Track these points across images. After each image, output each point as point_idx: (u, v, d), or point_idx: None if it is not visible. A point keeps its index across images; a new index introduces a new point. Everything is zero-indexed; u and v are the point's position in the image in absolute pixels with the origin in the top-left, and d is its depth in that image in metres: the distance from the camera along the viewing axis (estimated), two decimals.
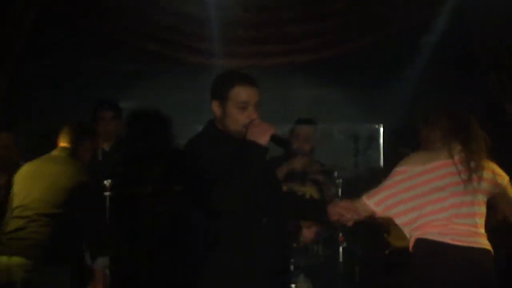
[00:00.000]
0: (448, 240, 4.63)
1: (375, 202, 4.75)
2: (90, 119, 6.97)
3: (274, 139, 4.16)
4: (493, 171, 4.83)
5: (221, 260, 4.19)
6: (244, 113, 4.22)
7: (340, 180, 6.57)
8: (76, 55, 7.86)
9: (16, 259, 5.60)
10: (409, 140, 6.20)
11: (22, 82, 7.63)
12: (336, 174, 6.57)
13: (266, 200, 4.27)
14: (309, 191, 6.70)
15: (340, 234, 6.52)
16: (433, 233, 4.66)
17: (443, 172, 4.72)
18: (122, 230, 6.47)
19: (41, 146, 6.12)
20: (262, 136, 4.12)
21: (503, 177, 4.87)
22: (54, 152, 5.98)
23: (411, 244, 4.78)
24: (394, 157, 6.33)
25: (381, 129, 6.69)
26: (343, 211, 4.58)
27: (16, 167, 6.22)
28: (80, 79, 7.87)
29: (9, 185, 6.30)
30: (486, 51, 7.61)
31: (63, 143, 6.00)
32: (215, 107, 4.31)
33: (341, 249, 6.43)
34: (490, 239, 4.82)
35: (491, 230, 6.20)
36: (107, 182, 6.16)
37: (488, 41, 7.59)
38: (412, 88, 7.69)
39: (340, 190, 6.59)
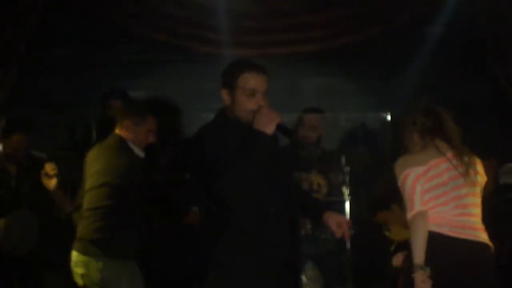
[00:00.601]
0: (446, 231, 4.66)
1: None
2: (100, 108, 7.02)
3: (280, 128, 4.19)
4: (480, 166, 4.88)
5: (230, 248, 4.22)
6: (252, 100, 4.24)
7: (348, 168, 6.60)
8: (86, 45, 7.88)
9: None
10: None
11: (31, 73, 7.65)
12: (343, 162, 6.59)
13: (275, 189, 4.30)
14: (316, 179, 6.74)
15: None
16: (434, 225, 4.67)
17: (442, 168, 4.75)
18: None
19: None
20: (268, 125, 4.14)
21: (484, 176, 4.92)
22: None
23: None
24: (402, 146, 6.39)
25: (389, 118, 6.71)
26: (334, 226, 4.46)
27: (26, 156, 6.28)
28: (90, 69, 7.88)
29: (19, 174, 6.36)
30: (493, 41, 7.62)
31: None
32: (225, 95, 4.34)
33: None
34: (492, 234, 4.88)
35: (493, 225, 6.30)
36: None
37: (495, 32, 7.60)
38: (419, 77, 7.71)
39: (347, 178, 6.62)
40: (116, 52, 7.90)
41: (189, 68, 7.94)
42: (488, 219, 6.15)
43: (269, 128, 4.14)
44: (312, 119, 6.79)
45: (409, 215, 4.67)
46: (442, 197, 4.71)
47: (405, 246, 5.60)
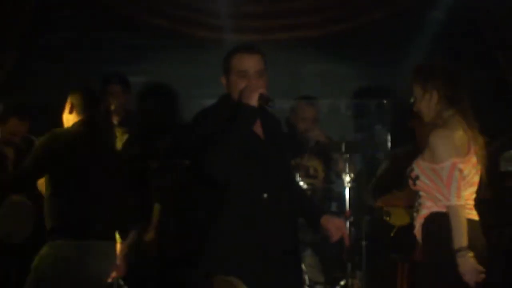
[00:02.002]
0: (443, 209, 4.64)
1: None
2: (99, 93, 6.99)
3: (261, 98, 4.12)
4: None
5: (224, 234, 4.20)
6: (244, 81, 4.21)
7: (348, 155, 6.57)
8: (85, 29, 7.85)
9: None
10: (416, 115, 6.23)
11: (30, 57, 7.63)
12: (343, 149, 6.56)
13: (268, 175, 4.25)
14: (312, 164, 6.73)
15: (347, 209, 6.54)
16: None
17: (472, 161, 4.70)
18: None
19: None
20: (250, 95, 4.11)
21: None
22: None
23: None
24: (402, 133, 6.38)
25: (389, 104, 6.68)
26: (333, 230, 4.40)
27: (23, 141, 6.26)
28: (89, 53, 7.85)
29: (17, 158, 6.32)
30: (493, 27, 7.59)
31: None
32: (223, 80, 4.34)
33: (348, 223, 6.44)
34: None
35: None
36: None
37: (495, 17, 7.56)
38: (420, 63, 7.66)
39: (347, 165, 6.59)
40: (115, 37, 7.86)
41: (189, 53, 7.90)
42: (489, 206, 6.19)
43: (251, 98, 4.10)
44: (303, 111, 6.76)
45: (454, 203, 4.53)
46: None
47: (405, 231, 5.61)
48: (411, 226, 5.39)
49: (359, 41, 7.85)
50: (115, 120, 6.98)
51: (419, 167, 4.70)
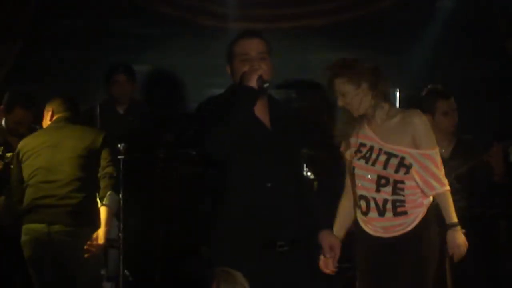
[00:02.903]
0: None
1: None
2: (104, 82, 6.98)
3: (258, 79, 4.08)
4: None
5: (227, 222, 4.17)
6: (246, 65, 4.16)
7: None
8: (91, 17, 7.82)
9: (56, 227, 5.59)
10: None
11: (35, 46, 7.60)
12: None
13: (273, 164, 4.19)
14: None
15: None
16: None
17: None
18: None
19: None
20: (249, 77, 4.07)
21: None
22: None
23: None
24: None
25: (397, 94, 6.63)
26: (326, 248, 4.35)
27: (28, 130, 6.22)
28: (95, 42, 7.82)
29: None
30: (503, 16, 7.54)
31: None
32: (228, 69, 4.30)
33: None
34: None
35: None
36: (121, 146, 6.16)
37: (506, 5, 7.51)
38: (428, 52, 7.63)
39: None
40: (121, 25, 7.83)
41: (195, 42, 7.86)
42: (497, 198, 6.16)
43: (250, 80, 4.06)
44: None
45: (445, 188, 4.75)
46: None
47: None
48: None
49: (366, 30, 7.80)
50: (120, 109, 6.96)
51: (410, 155, 4.68)
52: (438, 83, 6.19)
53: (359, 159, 4.70)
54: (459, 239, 4.76)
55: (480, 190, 5.97)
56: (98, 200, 5.73)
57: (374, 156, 4.69)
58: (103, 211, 5.69)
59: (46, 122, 5.91)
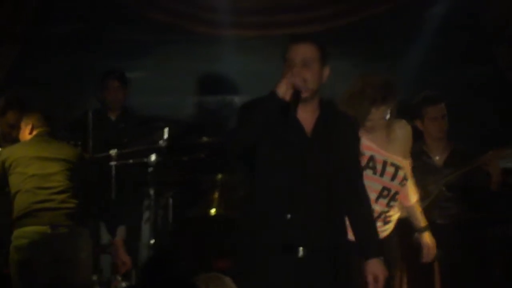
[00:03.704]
0: None
1: None
2: (97, 88, 6.98)
3: (294, 93, 3.99)
4: None
5: (247, 226, 4.20)
6: (288, 70, 4.09)
7: None
8: (84, 24, 7.83)
9: (58, 228, 5.64)
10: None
11: (30, 52, 7.61)
12: None
13: (304, 171, 4.10)
14: None
15: None
16: None
17: None
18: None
19: None
20: (279, 83, 4.01)
21: None
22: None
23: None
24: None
25: None
26: (370, 279, 4.17)
27: None
28: (88, 48, 7.83)
29: None
30: (493, 21, 7.56)
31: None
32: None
33: None
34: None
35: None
36: (113, 152, 6.18)
37: (495, 11, 7.54)
38: (420, 58, 7.64)
39: None
40: (114, 32, 7.84)
41: (188, 48, 7.87)
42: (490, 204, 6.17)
43: (279, 85, 3.99)
44: None
45: (417, 198, 5.07)
46: None
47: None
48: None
49: (358, 37, 7.82)
50: (113, 116, 6.96)
51: (405, 166, 4.77)
52: (429, 89, 6.20)
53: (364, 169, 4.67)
54: (431, 240, 5.15)
55: (477, 197, 5.98)
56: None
57: (379, 166, 4.73)
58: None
59: (25, 135, 5.94)
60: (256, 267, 4.10)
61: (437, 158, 6.05)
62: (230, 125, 7.74)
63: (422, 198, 5.54)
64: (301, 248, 4.06)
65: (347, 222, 4.27)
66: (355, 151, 4.32)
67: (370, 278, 4.15)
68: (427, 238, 5.14)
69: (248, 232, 4.17)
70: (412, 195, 5.02)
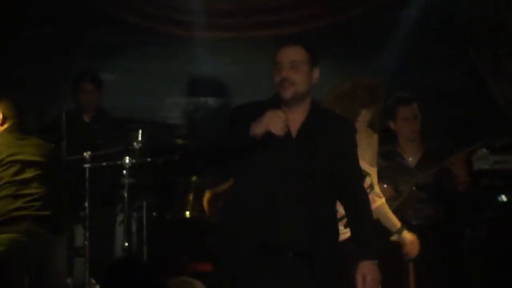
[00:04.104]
0: None
1: None
2: (71, 90, 6.95)
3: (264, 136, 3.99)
4: None
5: (232, 225, 4.19)
6: (279, 73, 4.09)
7: None
8: (57, 26, 7.80)
9: (35, 235, 5.54)
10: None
11: (2, 55, 7.58)
12: None
13: (287, 172, 4.07)
14: None
15: None
16: None
17: None
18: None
19: None
20: (258, 127, 3.97)
21: None
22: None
23: None
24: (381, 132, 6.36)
25: None
26: (359, 279, 4.10)
27: None
28: (62, 50, 7.80)
29: None
30: (467, 25, 7.59)
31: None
32: None
33: None
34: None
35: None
36: (87, 154, 6.15)
37: (469, 15, 7.58)
38: (394, 61, 7.66)
39: None
40: (88, 34, 7.81)
41: (162, 50, 7.86)
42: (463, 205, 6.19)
43: (257, 130, 3.97)
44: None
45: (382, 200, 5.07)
46: None
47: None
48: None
49: (335, 39, 7.82)
50: (87, 118, 6.94)
51: (371, 173, 4.88)
52: (405, 90, 6.21)
53: None
54: (410, 237, 5.18)
55: (445, 198, 5.99)
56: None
57: None
58: None
59: None
60: (238, 271, 4.08)
61: (410, 159, 6.07)
62: (205, 126, 7.76)
63: (393, 198, 5.59)
64: (284, 251, 4.05)
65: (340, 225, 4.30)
66: (350, 155, 4.26)
67: (359, 279, 4.10)
68: (406, 236, 5.16)
69: (230, 235, 4.16)
70: (375, 200, 4.99)
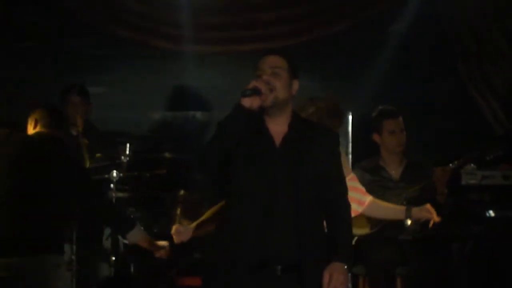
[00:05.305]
0: None
1: None
2: (59, 103, 6.93)
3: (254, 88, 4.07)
4: None
5: (220, 240, 4.24)
6: (258, 79, 4.16)
7: None
8: (46, 38, 7.78)
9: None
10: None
11: None
12: None
13: (272, 181, 4.11)
14: None
15: None
16: None
17: None
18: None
19: None
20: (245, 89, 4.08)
21: None
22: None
23: None
24: (363, 145, 6.37)
25: (350, 117, 6.68)
26: (326, 278, 4.09)
27: None
28: (49, 62, 7.78)
29: None
30: (455, 38, 7.63)
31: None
32: None
33: None
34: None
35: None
36: None
37: (457, 29, 7.61)
38: (381, 75, 7.67)
39: None
40: (76, 47, 7.80)
41: (150, 64, 7.86)
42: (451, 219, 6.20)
43: (244, 100, 4.06)
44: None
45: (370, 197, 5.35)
46: None
47: (366, 239, 5.63)
48: (371, 236, 5.43)
49: (320, 53, 7.84)
50: (74, 131, 6.91)
51: None
52: (393, 103, 6.23)
53: None
54: (421, 209, 5.43)
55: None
56: None
57: None
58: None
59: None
60: (227, 286, 4.09)
61: (393, 172, 6.09)
62: (192, 140, 7.75)
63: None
64: (274, 265, 4.06)
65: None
66: (334, 163, 4.29)
67: (325, 276, 4.08)
68: (417, 211, 5.35)
69: (221, 250, 4.18)
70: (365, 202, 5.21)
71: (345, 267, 4.12)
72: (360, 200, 5.20)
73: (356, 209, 5.11)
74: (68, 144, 5.65)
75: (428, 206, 5.37)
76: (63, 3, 7.68)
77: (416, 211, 5.31)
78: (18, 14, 7.71)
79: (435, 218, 5.34)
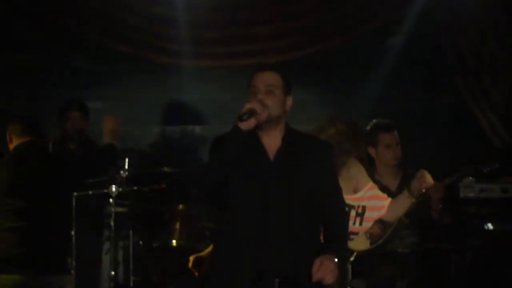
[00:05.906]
0: None
1: None
2: (58, 118, 6.95)
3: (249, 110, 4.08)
4: None
5: (219, 252, 4.28)
6: (252, 97, 4.17)
7: None
8: (44, 53, 7.80)
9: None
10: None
11: None
12: None
13: (260, 220, 4.13)
14: None
15: None
16: None
17: None
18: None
19: None
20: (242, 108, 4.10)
21: None
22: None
23: None
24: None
25: None
26: (316, 265, 4.08)
27: None
28: (48, 78, 7.80)
29: None
30: (453, 53, 7.65)
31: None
32: None
33: None
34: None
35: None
36: None
37: (455, 43, 7.63)
38: (380, 89, 7.69)
39: None
40: (75, 62, 7.82)
41: (149, 78, 7.87)
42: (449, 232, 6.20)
43: (239, 117, 4.07)
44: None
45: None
46: None
47: (365, 255, 5.62)
48: (370, 252, 5.43)
49: (319, 67, 7.86)
50: (73, 146, 6.93)
51: (356, 201, 4.98)
52: (390, 117, 6.23)
53: None
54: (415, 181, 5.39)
55: (426, 225, 6.01)
56: None
57: None
58: None
59: None
60: None
61: (389, 184, 6.09)
62: (191, 154, 7.75)
63: (383, 229, 5.58)
64: (272, 278, 4.05)
65: None
66: (329, 173, 4.32)
67: (316, 263, 4.05)
68: (415, 185, 5.33)
69: (219, 264, 4.20)
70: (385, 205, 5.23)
71: (336, 259, 4.09)
72: (381, 207, 5.18)
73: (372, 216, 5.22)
74: (47, 146, 5.96)
75: (420, 173, 5.32)
76: (64, 19, 7.70)
77: (413, 185, 5.29)
78: (16, 31, 7.73)
79: (431, 180, 5.30)
